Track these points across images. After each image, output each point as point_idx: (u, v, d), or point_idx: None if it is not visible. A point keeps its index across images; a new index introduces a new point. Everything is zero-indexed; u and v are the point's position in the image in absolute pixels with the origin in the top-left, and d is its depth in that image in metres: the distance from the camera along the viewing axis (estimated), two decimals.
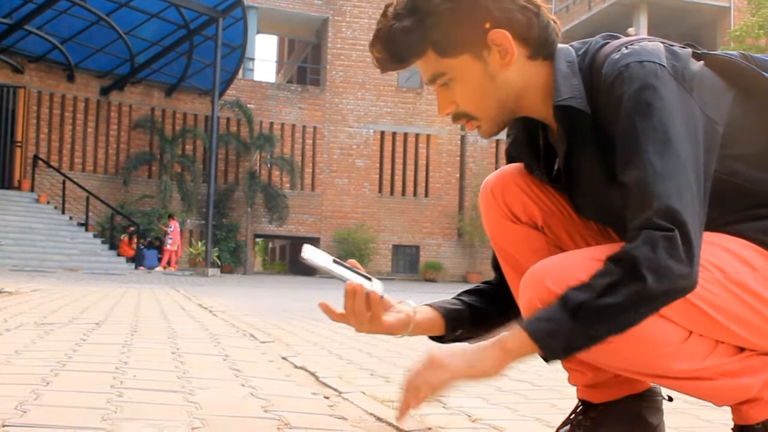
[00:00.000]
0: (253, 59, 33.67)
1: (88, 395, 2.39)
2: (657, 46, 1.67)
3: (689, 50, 1.71)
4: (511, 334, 1.60)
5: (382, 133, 33.04)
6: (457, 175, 33.31)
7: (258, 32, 35.10)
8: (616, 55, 1.66)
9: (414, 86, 33.37)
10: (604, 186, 1.72)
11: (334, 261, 1.78)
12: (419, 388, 1.64)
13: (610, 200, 1.71)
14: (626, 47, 1.67)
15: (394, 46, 1.72)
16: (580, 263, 1.63)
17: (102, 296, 8.98)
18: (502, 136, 1.96)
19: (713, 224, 1.66)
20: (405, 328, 1.85)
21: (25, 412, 2.06)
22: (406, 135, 33.19)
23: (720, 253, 1.65)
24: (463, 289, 2.06)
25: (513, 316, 1.89)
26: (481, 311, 1.98)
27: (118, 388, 2.56)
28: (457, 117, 1.78)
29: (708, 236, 1.61)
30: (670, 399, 1.98)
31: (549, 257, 1.72)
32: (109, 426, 1.93)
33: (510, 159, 2.02)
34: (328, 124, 32.63)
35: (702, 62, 1.70)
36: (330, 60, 32.96)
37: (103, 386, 2.57)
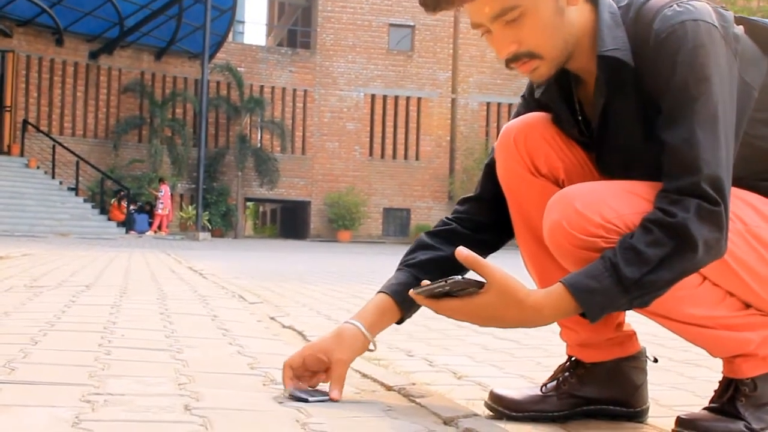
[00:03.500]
0: (243, 22, 33.54)
1: (75, 353, 2.40)
2: (707, 6, 1.66)
3: (731, 13, 1.70)
4: (559, 301, 1.62)
5: (373, 96, 32.96)
6: (448, 138, 33.25)
7: None
8: (669, 12, 1.64)
9: (405, 49, 33.24)
10: (638, 142, 1.72)
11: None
12: (463, 317, 1.68)
13: (642, 157, 1.71)
14: (678, 5, 1.64)
15: None
16: (610, 191, 1.66)
17: (92, 260, 8.98)
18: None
19: (737, 183, 1.67)
20: (368, 346, 1.94)
21: (13, 369, 2.07)
22: (396, 98, 33.12)
23: (743, 206, 1.68)
24: (424, 241, 2.02)
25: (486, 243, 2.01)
26: (439, 262, 1.95)
27: (106, 347, 2.57)
28: (516, 58, 1.69)
29: (732, 190, 1.63)
30: (656, 360, 2.00)
31: (576, 184, 1.73)
32: (95, 382, 1.94)
33: (528, 108, 1.96)
34: (318, 87, 32.53)
35: (742, 27, 1.70)
36: (320, 23, 32.78)
37: (91, 345, 2.58)
